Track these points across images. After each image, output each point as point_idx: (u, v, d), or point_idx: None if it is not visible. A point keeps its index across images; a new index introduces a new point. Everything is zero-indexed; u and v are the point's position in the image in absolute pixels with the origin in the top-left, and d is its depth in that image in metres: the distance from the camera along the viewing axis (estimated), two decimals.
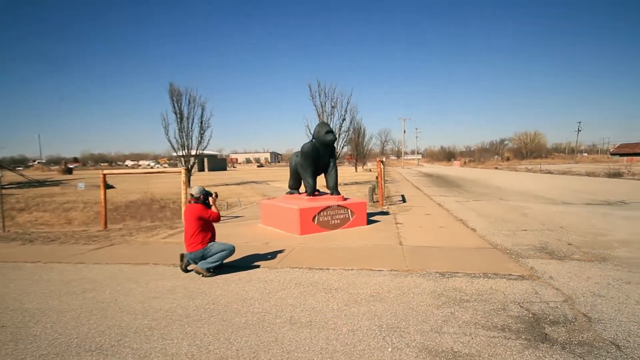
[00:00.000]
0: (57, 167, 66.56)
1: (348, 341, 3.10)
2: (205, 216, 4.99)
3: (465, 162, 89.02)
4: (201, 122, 23.63)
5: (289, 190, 9.31)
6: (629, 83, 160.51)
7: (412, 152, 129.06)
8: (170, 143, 22.92)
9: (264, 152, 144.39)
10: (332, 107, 23.28)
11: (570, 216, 9.55)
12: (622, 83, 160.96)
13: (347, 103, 23.19)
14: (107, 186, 25.05)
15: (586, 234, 7.28)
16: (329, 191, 8.87)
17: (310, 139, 8.65)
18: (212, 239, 5.13)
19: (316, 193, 8.75)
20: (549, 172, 36.55)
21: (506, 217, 9.61)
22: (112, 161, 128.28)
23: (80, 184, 24.50)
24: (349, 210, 8.42)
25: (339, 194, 8.71)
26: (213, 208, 5.19)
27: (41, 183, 29.27)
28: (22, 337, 3.30)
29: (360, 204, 8.74)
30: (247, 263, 5.55)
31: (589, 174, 29.76)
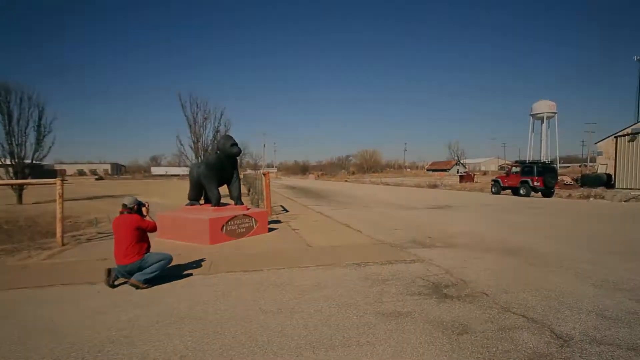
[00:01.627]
0: None
1: (321, 317, 3.81)
2: (143, 226, 4.87)
3: (318, 176, 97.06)
4: (39, 126, 19.76)
5: (189, 201, 9.15)
6: (441, 110, 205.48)
7: (268, 166, 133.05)
8: None
9: (101, 163, 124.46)
10: (205, 118, 22.91)
11: (420, 217, 12.27)
12: (436, 110, 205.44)
13: (221, 115, 23.20)
14: None
15: (436, 230, 9.66)
16: (232, 201, 9.16)
17: (215, 150, 8.80)
18: (148, 249, 5.01)
19: None
20: (387, 184, 43.74)
21: (378, 220, 11.67)
22: None
23: None
24: (253, 219, 8.90)
25: (242, 203, 9.10)
26: (147, 218, 5.08)
27: None
28: None
29: (263, 213, 9.33)
30: (176, 273, 5.52)
31: (417, 186, 37.00)
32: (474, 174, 49.90)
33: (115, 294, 4.64)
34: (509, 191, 23.15)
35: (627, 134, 26.01)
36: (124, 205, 4.95)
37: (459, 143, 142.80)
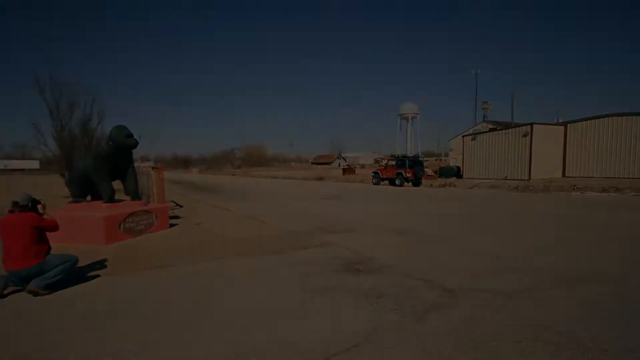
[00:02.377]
0: None
1: (258, 298, 4.07)
2: (42, 225, 4.30)
3: (203, 170, 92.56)
4: None
5: (72, 199, 8.05)
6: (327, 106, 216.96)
7: (143, 159, 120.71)
8: None
9: None
10: (71, 105, 19.74)
11: (318, 208, 13.17)
12: (319, 106, 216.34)
13: (93, 102, 20.31)
14: None
15: (334, 218, 10.60)
16: (126, 197, 8.42)
17: (107, 141, 7.90)
18: (49, 252, 4.43)
19: None
20: (276, 177, 44.60)
21: (281, 212, 12.11)
22: None
23: None
24: (154, 215, 8.38)
25: (140, 198, 8.46)
26: (46, 216, 4.48)
27: None
28: None
29: (164, 208, 8.84)
30: (78, 276, 4.98)
31: (304, 179, 38.70)
32: (355, 167, 54.51)
33: (10, 304, 4.03)
34: (386, 182, 26.23)
35: (470, 134, 32.04)
36: (16, 203, 4.28)
37: (340, 138, 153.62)
